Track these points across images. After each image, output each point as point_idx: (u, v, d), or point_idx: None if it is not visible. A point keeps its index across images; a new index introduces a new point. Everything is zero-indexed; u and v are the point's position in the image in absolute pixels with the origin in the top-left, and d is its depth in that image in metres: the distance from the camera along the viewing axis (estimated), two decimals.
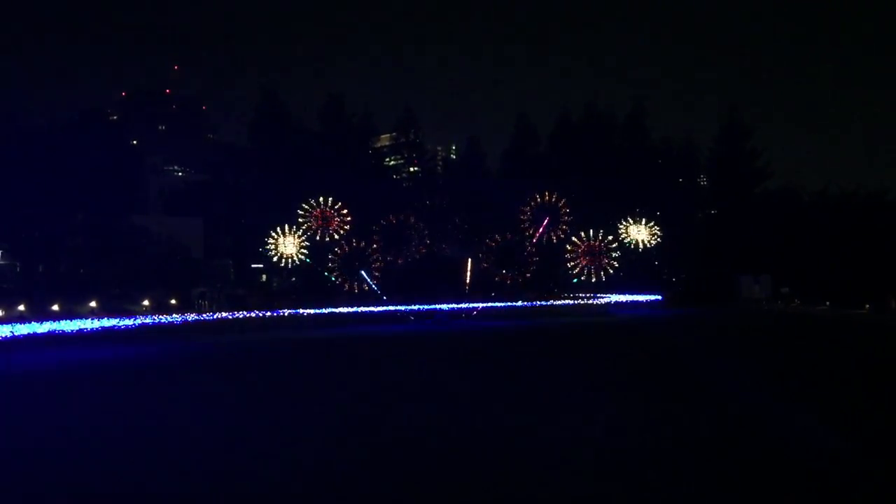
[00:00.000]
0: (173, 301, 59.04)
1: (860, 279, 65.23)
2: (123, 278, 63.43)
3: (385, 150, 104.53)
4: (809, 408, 18.05)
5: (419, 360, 32.00)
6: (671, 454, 13.57)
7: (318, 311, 57.33)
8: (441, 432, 15.82)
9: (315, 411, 18.84)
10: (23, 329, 38.21)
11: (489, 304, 65.10)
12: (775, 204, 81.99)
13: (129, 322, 45.50)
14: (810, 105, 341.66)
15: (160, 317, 49.19)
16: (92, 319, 44.16)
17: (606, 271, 69.98)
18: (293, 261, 66.25)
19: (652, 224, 72.07)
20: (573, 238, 70.54)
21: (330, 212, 67.79)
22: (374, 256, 67.45)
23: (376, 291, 66.03)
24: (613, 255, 70.25)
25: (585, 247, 70.25)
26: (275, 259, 66.47)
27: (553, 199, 70.23)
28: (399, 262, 69.47)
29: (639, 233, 71.74)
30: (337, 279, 66.75)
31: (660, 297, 73.59)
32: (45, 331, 39.40)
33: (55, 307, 49.55)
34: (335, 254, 66.92)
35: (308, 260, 66.76)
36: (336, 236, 67.40)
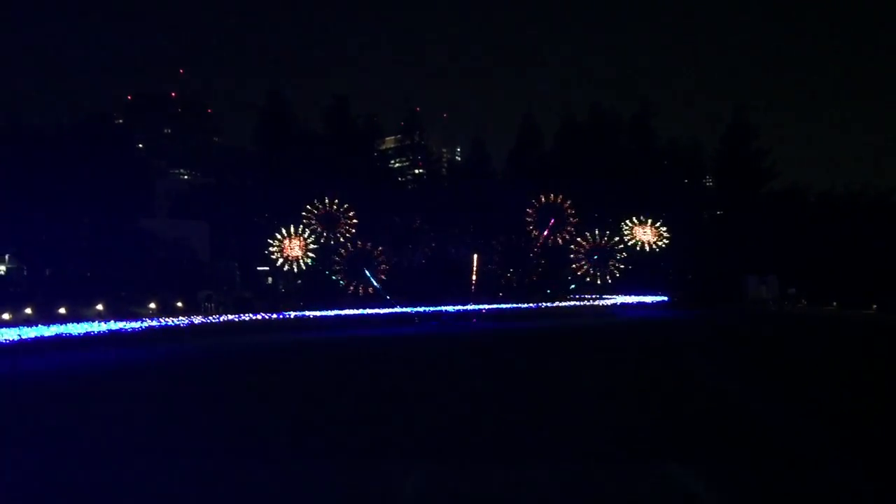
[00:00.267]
0: (179, 304, 59.13)
1: (867, 279, 65.05)
2: (130, 281, 63.62)
3: (390, 152, 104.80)
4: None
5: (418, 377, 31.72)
6: None
7: (323, 313, 57.46)
8: None
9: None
10: (30, 332, 38.33)
11: (495, 306, 65.08)
12: (781, 204, 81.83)
13: (135, 325, 45.61)
14: (816, 104, 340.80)
15: (166, 319, 49.30)
16: (98, 322, 44.30)
17: (612, 272, 69.85)
18: (299, 265, 66.31)
19: (659, 224, 71.98)
20: (578, 239, 70.44)
21: (336, 213, 67.88)
22: (380, 258, 67.49)
23: (382, 293, 66.04)
24: (619, 255, 70.14)
25: (591, 248, 70.15)
26: (279, 263, 66.57)
27: (558, 200, 70.17)
28: (404, 263, 69.50)
29: (644, 234, 71.61)
30: (342, 281, 66.77)
31: (666, 299, 73.50)
32: (52, 334, 39.51)
33: (62, 310, 49.68)
34: (341, 256, 66.96)
35: (313, 263, 66.80)
36: (342, 238, 67.43)
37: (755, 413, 17.77)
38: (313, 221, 67.55)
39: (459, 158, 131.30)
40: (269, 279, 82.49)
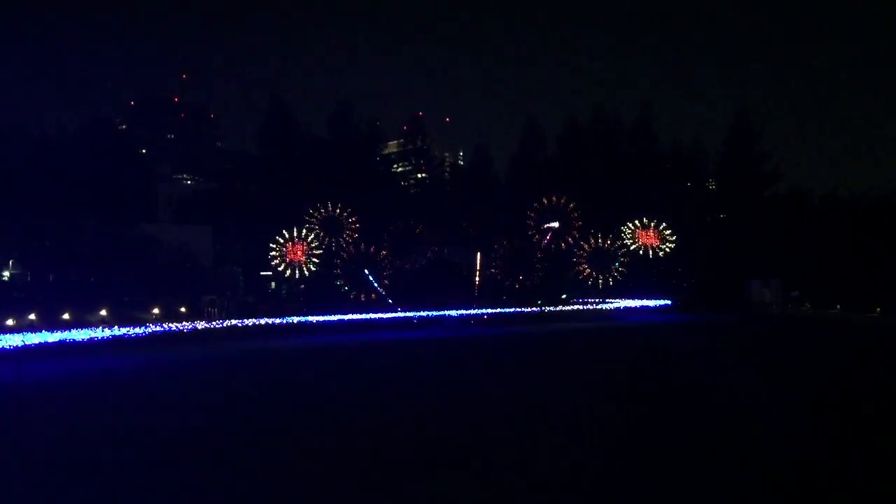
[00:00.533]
0: (183, 309, 59.09)
1: (870, 282, 64.86)
2: (133, 286, 63.59)
3: (393, 156, 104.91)
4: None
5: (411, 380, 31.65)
6: None
7: (326, 318, 57.46)
8: None
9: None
10: (34, 338, 38.38)
11: (498, 310, 65.01)
12: (784, 207, 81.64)
13: (138, 330, 45.69)
14: (819, 107, 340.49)
15: (170, 325, 49.37)
16: (102, 328, 44.34)
17: (615, 276, 69.78)
18: (301, 269, 66.32)
19: (662, 227, 71.83)
20: (581, 243, 70.38)
21: (338, 218, 67.93)
22: (383, 263, 67.51)
23: (385, 298, 66.03)
24: (622, 259, 70.08)
25: (594, 251, 70.10)
26: (281, 267, 66.59)
27: (561, 204, 70.12)
28: (407, 268, 69.50)
29: (647, 237, 71.55)
30: (345, 286, 66.77)
31: (669, 303, 73.32)
32: (56, 340, 39.56)
33: (66, 316, 49.69)
34: (343, 260, 67.00)
35: (315, 267, 66.83)
36: (344, 243, 67.47)
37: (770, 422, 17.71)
38: (316, 226, 67.67)
39: (462, 163, 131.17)
40: (272, 284, 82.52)
